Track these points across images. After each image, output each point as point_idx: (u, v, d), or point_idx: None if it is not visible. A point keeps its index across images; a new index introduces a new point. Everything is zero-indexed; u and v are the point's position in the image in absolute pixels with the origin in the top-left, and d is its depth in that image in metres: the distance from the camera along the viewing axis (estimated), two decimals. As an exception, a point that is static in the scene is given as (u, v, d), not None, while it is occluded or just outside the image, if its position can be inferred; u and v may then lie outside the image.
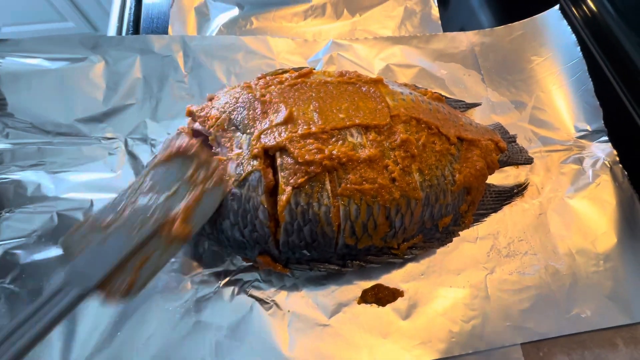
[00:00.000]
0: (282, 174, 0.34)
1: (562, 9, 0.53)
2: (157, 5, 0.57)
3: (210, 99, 0.41)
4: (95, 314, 0.37)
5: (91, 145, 0.46)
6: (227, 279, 0.40)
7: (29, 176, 0.43)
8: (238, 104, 0.38)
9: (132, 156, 0.46)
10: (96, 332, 0.36)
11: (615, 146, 0.47)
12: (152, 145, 0.47)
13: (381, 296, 0.39)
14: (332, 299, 0.39)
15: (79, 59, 0.47)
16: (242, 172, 0.34)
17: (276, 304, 0.39)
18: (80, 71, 0.47)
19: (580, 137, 0.48)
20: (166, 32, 0.54)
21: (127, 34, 0.55)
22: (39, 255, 0.39)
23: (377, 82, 0.42)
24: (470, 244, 0.42)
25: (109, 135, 0.46)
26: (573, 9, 0.59)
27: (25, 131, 0.44)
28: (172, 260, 0.40)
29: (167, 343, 0.36)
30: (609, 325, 0.38)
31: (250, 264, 0.40)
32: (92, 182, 0.44)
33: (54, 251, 0.40)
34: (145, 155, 0.46)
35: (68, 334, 0.36)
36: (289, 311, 0.38)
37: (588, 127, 0.48)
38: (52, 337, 0.35)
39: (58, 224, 0.41)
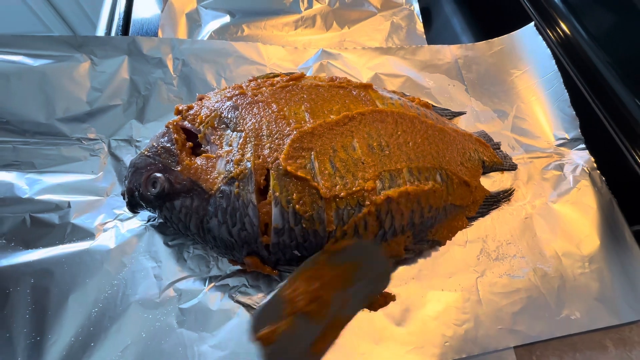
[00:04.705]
0: (274, 181, 0.33)
1: (537, 28, 0.57)
2: (148, 20, 0.57)
3: (200, 99, 0.40)
4: (66, 323, 0.34)
5: (71, 146, 0.44)
6: (212, 284, 0.38)
7: (1, 176, 0.40)
8: (229, 103, 0.37)
9: (115, 158, 0.44)
10: (67, 342, 0.33)
11: (592, 153, 0.49)
12: (137, 147, 0.45)
13: (373, 301, 0.38)
14: (323, 305, 0.38)
15: (63, 58, 0.46)
16: (231, 169, 0.33)
17: (263, 310, 0.37)
18: (64, 70, 0.45)
19: (560, 145, 0.50)
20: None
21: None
22: (6, 261, 0.36)
23: (367, 87, 0.43)
24: (460, 248, 0.42)
25: (91, 136, 0.45)
26: (547, 30, 0.63)
27: (0, 129, 0.42)
28: (154, 264, 0.38)
29: (146, 354, 0.34)
30: (599, 326, 0.38)
31: (237, 268, 0.39)
32: (70, 184, 0.42)
33: (24, 256, 0.37)
34: (129, 158, 0.44)
35: (35, 345, 0.33)
36: (277, 318, 0.37)
37: (566, 136, 0.50)
38: (17, 348, 0.32)
39: (31, 226, 0.39)
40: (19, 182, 0.41)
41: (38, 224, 0.39)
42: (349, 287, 0.32)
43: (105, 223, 0.40)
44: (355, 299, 0.32)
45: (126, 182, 0.37)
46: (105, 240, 0.39)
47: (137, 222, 0.41)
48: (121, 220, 0.41)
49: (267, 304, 0.30)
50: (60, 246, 0.38)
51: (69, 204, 0.40)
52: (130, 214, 0.41)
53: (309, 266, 0.32)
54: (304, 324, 0.29)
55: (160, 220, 0.40)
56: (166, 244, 0.40)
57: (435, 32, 0.67)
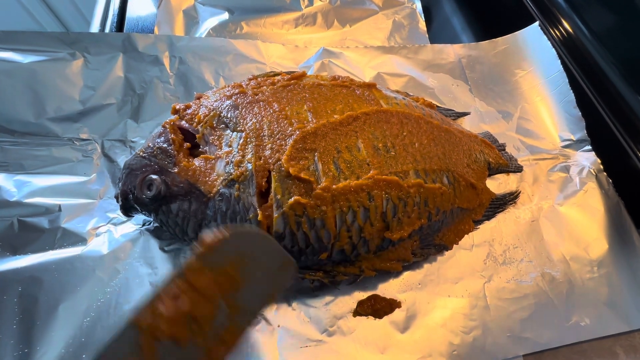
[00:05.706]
0: (276, 183, 0.32)
1: (540, 27, 0.56)
2: (143, 17, 0.55)
3: (198, 98, 0.39)
4: (56, 333, 0.32)
5: (63, 146, 0.42)
6: (210, 291, 0.36)
7: (-13, 178, 0.39)
8: (228, 102, 0.36)
9: (109, 159, 0.43)
10: (57, 354, 0.31)
11: (598, 155, 0.48)
12: (132, 148, 0.44)
13: (378, 307, 0.37)
14: (326, 312, 0.36)
15: (55, 54, 0.44)
16: (231, 171, 0.32)
17: (265, 319, 0.35)
18: (55, 67, 0.44)
19: (565, 147, 0.49)
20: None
21: (109, 34, 0.52)
22: (-7, 267, 0.34)
23: (370, 86, 0.42)
24: (467, 252, 0.41)
25: (83, 136, 0.43)
26: (551, 29, 0.63)
27: (-13, 129, 0.40)
28: (149, 271, 0.37)
29: (140, 365, 0.32)
30: (609, 333, 0.37)
31: (237, 274, 0.37)
32: (61, 187, 0.40)
33: (11, 263, 0.35)
34: (123, 159, 0.42)
35: (23, 357, 0.31)
36: (278, 326, 0.35)
37: (572, 137, 0.49)
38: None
39: (19, 231, 0.37)
40: (7, 184, 0.39)
41: (27, 229, 0.37)
42: (236, 291, 0.25)
43: (98, 227, 0.38)
44: (252, 302, 0.26)
45: (120, 184, 0.35)
46: (98, 245, 0.37)
47: (132, 226, 0.39)
48: (115, 224, 0.39)
49: (114, 340, 0.23)
50: (50, 252, 0.36)
51: (59, 208, 0.38)
52: (124, 218, 0.39)
53: (176, 279, 0.24)
54: (173, 351, 0.23)
55: (156, 225, 0.38)
56: (162, 249, 0.38)
57: (435, 31, 0.66)
